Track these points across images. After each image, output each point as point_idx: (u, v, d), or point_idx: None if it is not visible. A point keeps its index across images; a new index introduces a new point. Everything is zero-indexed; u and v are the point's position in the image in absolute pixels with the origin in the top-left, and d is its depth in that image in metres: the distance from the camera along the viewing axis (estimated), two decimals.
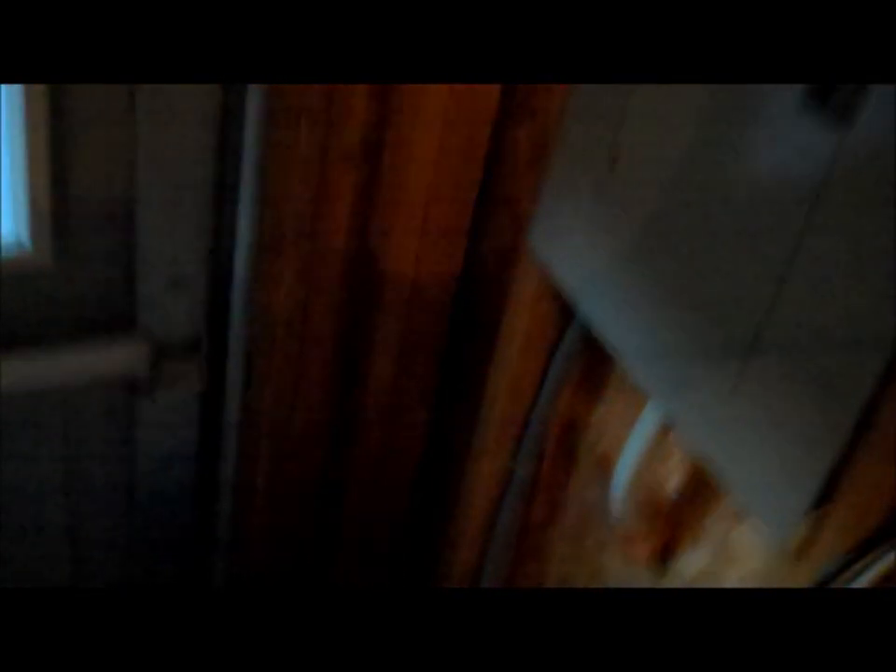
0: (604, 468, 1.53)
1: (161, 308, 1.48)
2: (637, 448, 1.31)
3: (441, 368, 1.74)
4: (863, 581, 0.95)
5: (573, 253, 1.30)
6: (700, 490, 1.33)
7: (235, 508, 1.73)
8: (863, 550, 0.96)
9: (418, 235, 1.59)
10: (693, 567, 1.35)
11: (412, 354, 1.71)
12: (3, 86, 1.21)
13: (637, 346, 1.20)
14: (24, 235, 1.35)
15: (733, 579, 1.28)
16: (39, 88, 1.20)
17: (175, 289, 1.46)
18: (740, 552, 1.26)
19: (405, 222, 1.55)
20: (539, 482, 1.62)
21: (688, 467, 1.35)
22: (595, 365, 1.51)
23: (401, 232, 1.57)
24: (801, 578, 1.12)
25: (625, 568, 1.50)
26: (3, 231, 1.36)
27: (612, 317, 1.23)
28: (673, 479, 1.38)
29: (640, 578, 1.46)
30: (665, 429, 1.28)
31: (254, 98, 1.28)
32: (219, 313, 1.52)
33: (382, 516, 1.89)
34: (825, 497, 0.98)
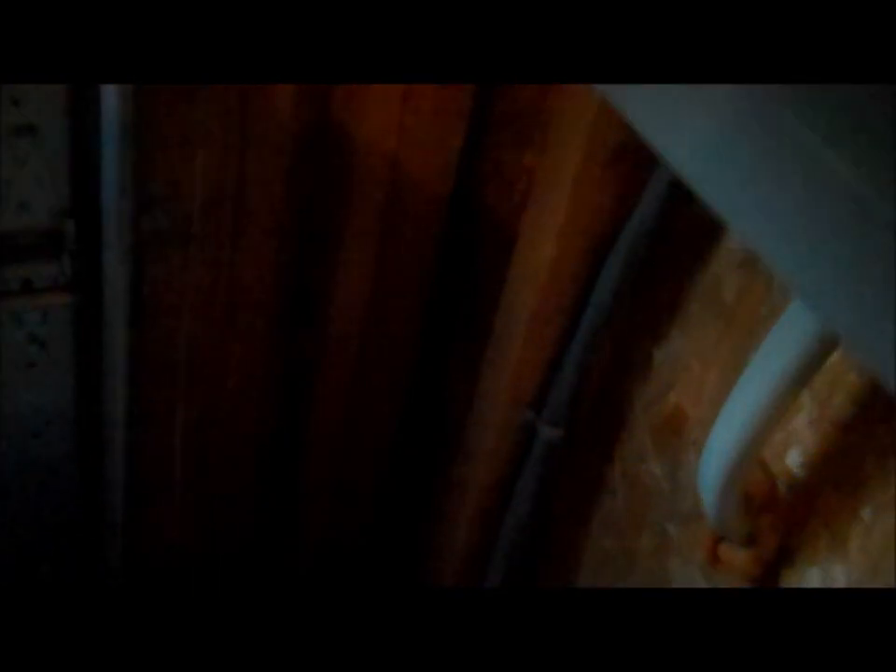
0: (675, 431, 1.05)
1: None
2: (754, 398, 0.80)
3: (436, 282, 1.33)
4: None
5: None
6: (851, 461, 0.86)
7: (130, 497, 1.31)
8: None
9: (401, 92, 1.19)
10: (830, 584, 0.86)
11: (393, 261, 1.30)
12: None
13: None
14: None
15: None
16: None
17: (18, 144, 1.01)
18: None
19: None
20: (571, 448, 1.19)
21: (830, 426, 0.85)
22: (673, 259, 1.03)
23: (380, 91, 1.18)
24: None
25: (705, 584, 1.01)
26: None
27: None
28: (801, 446, 0.89)
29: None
30: (808, 368, 0.77)
31: None
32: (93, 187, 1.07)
33: (349, 498, 1.50)
34: None
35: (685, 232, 1.00)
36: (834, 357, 0.82)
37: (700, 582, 1.04)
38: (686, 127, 0.77)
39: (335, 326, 1.33)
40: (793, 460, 0.90)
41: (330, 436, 1.39)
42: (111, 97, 0.94)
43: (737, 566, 0.94)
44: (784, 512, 0.92)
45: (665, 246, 1.03)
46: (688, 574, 1.06)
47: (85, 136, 1.03)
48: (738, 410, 0.85)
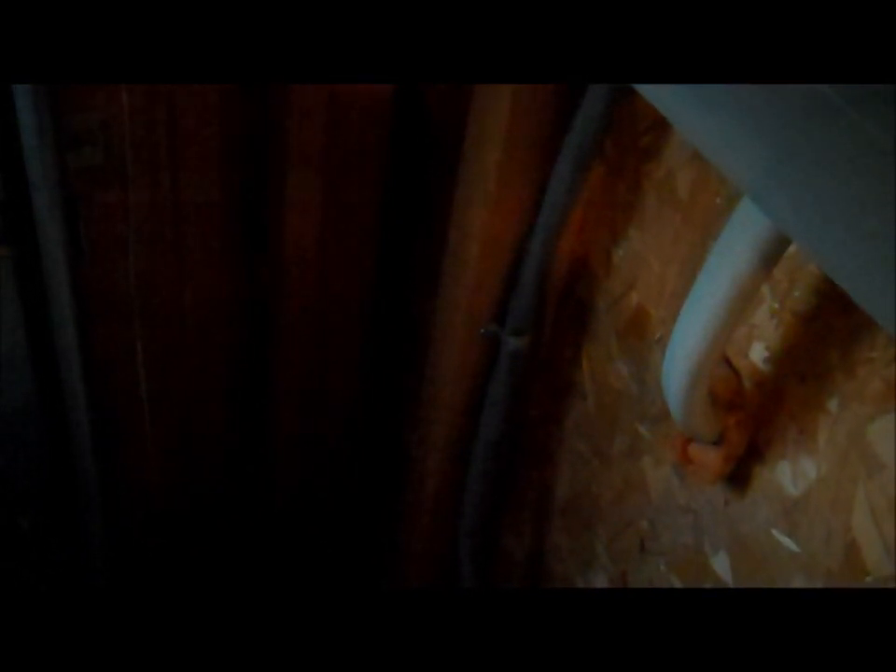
0: (638, 331, 1.02)
1: None
2: (713, 294, 0.77)
3: (389, 198, 1.26)
4: None
5: None
6: (814, 353, 0.83)
7: (99, 443, 1.25)
8: None
9: None
10: (800, 479, 0.86)
11: (341, 176, 1.22)
12: None
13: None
14: None
15: (873, 498, 0.78)
16: None
17: None
18: (889, 454, 0.77)
19: None
20: (538, 356, 1.15)
21: (793, 318, 0.82)
22: (625, 154, 0.97)
23: None
24: None
25: (678, 482, 0.99)
26: None
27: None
28: (764, 340, 0.86)
29: (703, 497, 0.95)
30: (767, 260, 0.73)
31: None
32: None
33: (320, 428, 1.46)
34: None
35: (634, 126, 0.95)
36: (793, 247, 0.79)
37: (674, 482, 1.02)
38: None
39: (290, 248, 1.26)
40: (757, 355, 0.87)
41: (297, 364, 1.34)
42: None
43: (708, 465, 0.92)
44: (751, 409, 0.89)
45: (616, 141, 0.98)
46: (662, 475, 1.04)
47: None
48: (699, 307, 0.81)
